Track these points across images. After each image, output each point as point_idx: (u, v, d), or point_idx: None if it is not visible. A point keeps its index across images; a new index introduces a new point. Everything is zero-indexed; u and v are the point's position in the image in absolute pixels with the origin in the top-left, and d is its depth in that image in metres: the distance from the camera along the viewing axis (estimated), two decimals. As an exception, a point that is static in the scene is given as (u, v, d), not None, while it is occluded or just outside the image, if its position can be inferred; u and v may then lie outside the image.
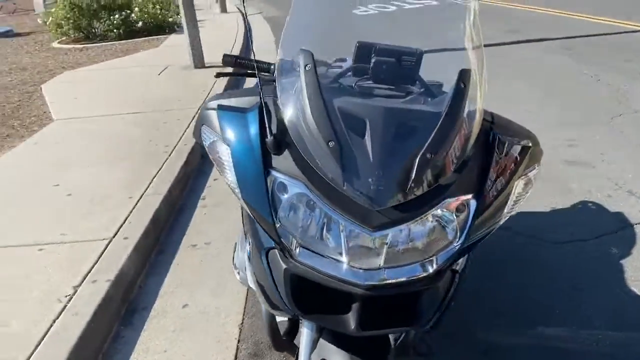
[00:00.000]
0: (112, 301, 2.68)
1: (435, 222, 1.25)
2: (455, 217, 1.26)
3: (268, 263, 1.35)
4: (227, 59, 1.65)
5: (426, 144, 1.22)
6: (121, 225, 3.30)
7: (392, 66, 1.49)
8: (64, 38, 12.11)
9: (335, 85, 1.48)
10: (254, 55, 1.63)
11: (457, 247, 1.26)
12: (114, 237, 3.17)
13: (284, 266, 1.29)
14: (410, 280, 1.24)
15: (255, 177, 1.27)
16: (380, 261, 1.22)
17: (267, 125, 1.30)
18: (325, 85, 1.38)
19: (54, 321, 2.46)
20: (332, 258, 1.24)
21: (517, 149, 1.40)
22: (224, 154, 1.33)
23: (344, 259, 1.22)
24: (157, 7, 12.25)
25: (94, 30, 11.90)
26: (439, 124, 1.25)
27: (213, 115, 1.42)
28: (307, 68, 1.33)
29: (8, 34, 14.92)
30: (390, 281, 1.22)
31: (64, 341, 2.32)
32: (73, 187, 3.92)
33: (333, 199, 1.21)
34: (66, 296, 2.63)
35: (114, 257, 2.96)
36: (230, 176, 1.31)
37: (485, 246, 2.87)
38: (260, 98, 1.37)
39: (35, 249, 3.10)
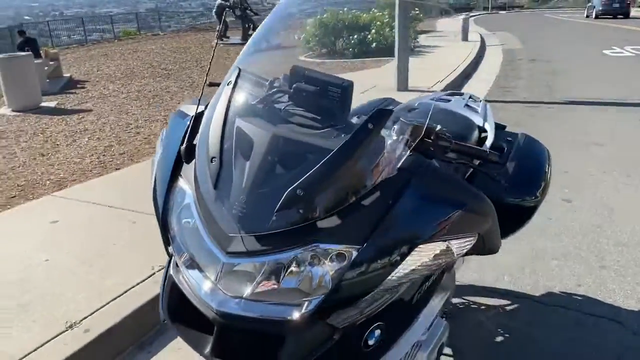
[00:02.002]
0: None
1: (308, 266, 1.11)
2: (326, 265, 1.11)
3: (168, 267, 1.37)
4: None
5: (301, 179, 1.10)
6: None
7: (313, 95, 1.36)
8: (310, 53, 13.44)
9: (260, 105, 1.40)
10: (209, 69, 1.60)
11: (321, 298, 1.11)
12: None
13: (170, 272, 1.30)
14: (268, 319, 1.13)
15: (163, 181, 1.31)
16: (248, 291, 1.14)
17: (188, 134, 1.32)
18: (244, 104, 1.34)
19: (137, 284, 2.80)
20: (207, 275, 1.20)
21: (437, 209, 1.17)
22: (157, 156, 1.39)
23: (213, 278, 1.17)
24: (393, 30, 12.74)
25: (335, 48, 12.95)
26: (322, 161, 1.11)
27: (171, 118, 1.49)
28: (227, 84, 1.31)
29: (272, 44, 17.20)
30: (243, 314, 1.13)
31: (132, 303, 2.64)
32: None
33: (207, 216, 1.18)
34: (159, 266, 2.97)
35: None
36: (152, 178, 1.36)
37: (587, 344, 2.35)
38: (197, 106, 1.40)
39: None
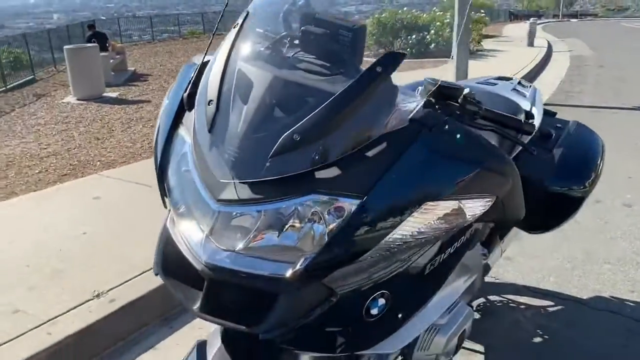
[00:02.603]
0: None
1: (308, 222, 1.02)
2: (324, 219, 1.01)
3: (166, 220, 1.31)
4: None
5: (298, 124, 1.01)
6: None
7: (322, 38, 1.26)
8: (367, 52, 13.34)
9: (266, 51, 1.31)
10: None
11: (315, 254, 1.01)
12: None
13: (166, 224, 1.24)
14: (260, 275, 1.05)
15: (164, 130, 1.25)
16: (241, 245, 1.06)
17: (192, 81, 1.26)
18: (248, 47, 1.26)
19: (167, 260, 2.79)
20: (201, 228, 1.12)
21: (450, 165, 1.05)
22: (162, 107, 1.34)
23: (207, 230, 1.10)
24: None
25: (392, 47, 12.80)
26: (323, 106, 1.02)
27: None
28: (234, 27, 1.24)
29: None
30: (234, 268, 1.05)
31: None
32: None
33: (201, 163, 1.11)
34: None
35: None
36: (155, 128, 1.31)
37: None
38: (204, 54, 1.33)
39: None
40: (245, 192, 1.04)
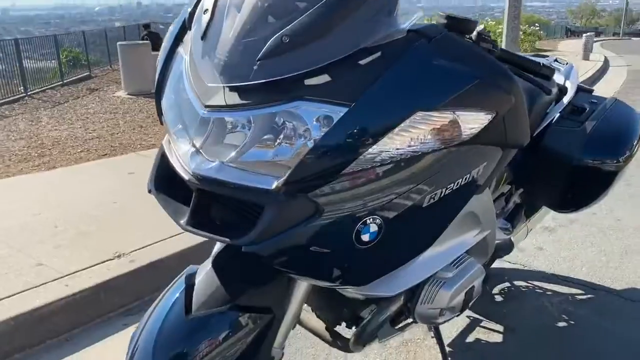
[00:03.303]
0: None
1: (299, 137, 0.98)
2: (310, 126, 0.97)
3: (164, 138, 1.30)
4: None
5: (289, 26, 0.98)
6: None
7: None
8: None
9: None
10: None
11: (296, 166, 0.97)
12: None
13: (163, 142, 1.23)
14: (247, 186, 1.02)
15: (165, 49, 1.24)
16: (231, 155, 1.03)
17: (196, 2, 1.25)
18: None
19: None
20: (193, 141, 1.10)
21: (446, 76, 1.00)
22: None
23: (196, 140, 1.08)
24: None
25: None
26: (314, 7, 0.99)
27: None
28: None
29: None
30: (221, 178, 1.03)
31: (181, 244, 2.65)
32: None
33: (194, 74, 1.09)
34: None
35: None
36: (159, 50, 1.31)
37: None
38: None
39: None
40: (234, 98, 1.01)
